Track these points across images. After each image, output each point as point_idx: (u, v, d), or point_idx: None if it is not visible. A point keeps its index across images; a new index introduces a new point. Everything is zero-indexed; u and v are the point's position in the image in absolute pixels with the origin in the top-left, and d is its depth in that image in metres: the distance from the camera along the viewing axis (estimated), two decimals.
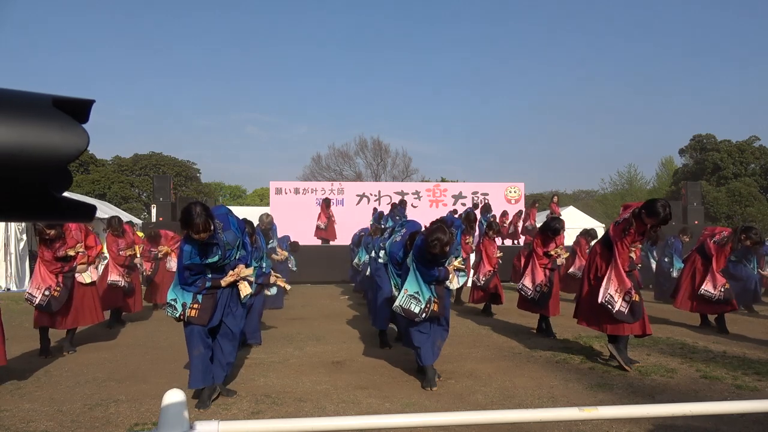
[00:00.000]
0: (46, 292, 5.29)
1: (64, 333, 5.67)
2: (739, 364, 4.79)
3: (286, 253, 9.49)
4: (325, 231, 14.06)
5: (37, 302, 5.27)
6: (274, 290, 5.98)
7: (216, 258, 3.85)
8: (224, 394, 3.96)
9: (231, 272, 3.96)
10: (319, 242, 13.98)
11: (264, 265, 5.83)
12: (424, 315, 4.32)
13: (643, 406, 1.91)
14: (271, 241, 8.77)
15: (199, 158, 74.81)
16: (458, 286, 4.68)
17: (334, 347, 5.73)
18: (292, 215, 15.10)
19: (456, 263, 4.58)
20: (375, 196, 15.79)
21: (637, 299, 4.65)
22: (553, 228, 6.53)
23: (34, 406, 3.80)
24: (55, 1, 63.72)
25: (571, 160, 64.04)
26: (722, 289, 6.60)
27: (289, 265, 9.51)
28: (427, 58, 66.24)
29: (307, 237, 14.05)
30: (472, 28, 66.46)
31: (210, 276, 3.92)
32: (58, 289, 5.34)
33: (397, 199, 15.57)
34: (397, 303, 4.43)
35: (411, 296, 4.39)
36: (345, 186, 16.22)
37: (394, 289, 4.81)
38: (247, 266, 4.10)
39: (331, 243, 13.97)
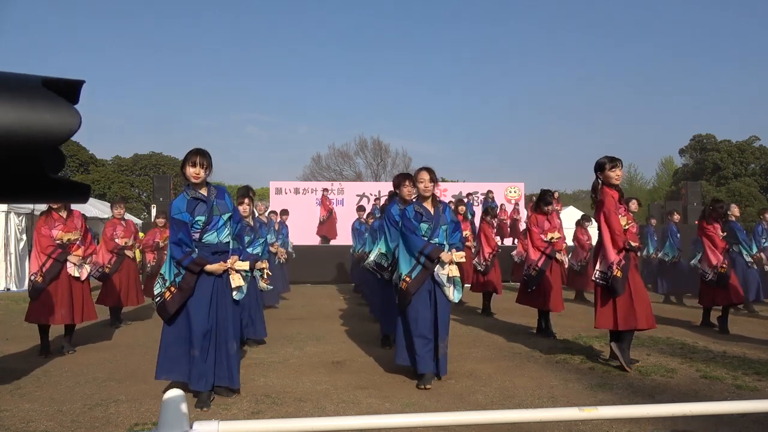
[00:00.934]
0: (32, 277, 5.28)
1: (61, 333, 5.66)
2: (739, 364, 4.79)
3: (283, 251, 9.40)
4: (325, 227, 14.05)
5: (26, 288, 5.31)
6: (264, 286, 5.76)
7: (203, 218, 3.81)
8: (224, 394, 3.95)
9: (222, 262, 3.83)
10: (319, 242, 13.98)
11: (259, 250, 5.72)
12: (396, 291, 4.42)
13: (643, 406, 1.91)
14: (269, 235, 8.69)
15: None
16: (456, 300, 4.45)
17: (334, 347, 5.73)
18: (292, 215, 15.01)
19: (456, 255, 4.36)
20: (375, 196, 15.78)
21: (618, 275, 4.53)
22: (545, 199, 6.53)
23: (34, 406, 3.80)
24: (55, 1, 63.73)
25: (571, 160, 64.07)
26: (716, 271, 6.59)
27: (277, 260, 9.21)
28: (427, 58, 66.29)
29: (307, 237, 14.05)
30: (472, 28, 66.50)
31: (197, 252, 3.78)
32: (41, 276, 5.21)
33: None
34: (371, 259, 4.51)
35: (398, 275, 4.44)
36: (345, 186, 16.24)
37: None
38: (242, 260, 4.00)
39: (332, 242, 13.96)
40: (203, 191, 3.91)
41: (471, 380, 4.41)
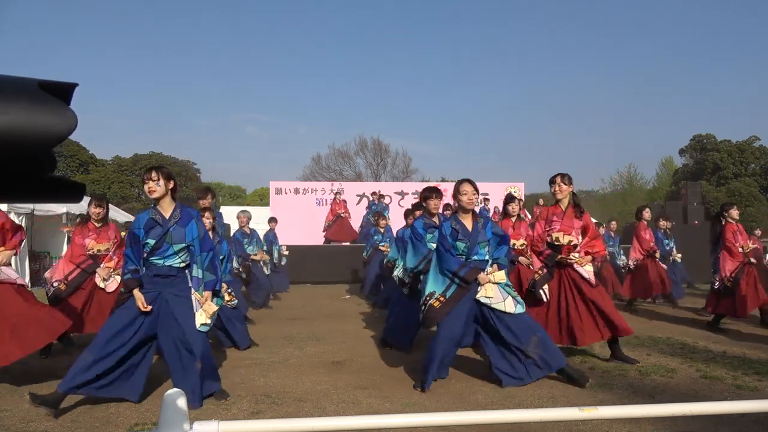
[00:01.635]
0: (55, 284, 5.32)
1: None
2: (739, 364, 4.79)
3: (267, 256, 9.17)
4: (333, 230, 13.96)
5: (46, 291, 5.34)
6: (234, 302, 5.53)
7: (153, 241, 3.71)
8: (218, 397, 3.89)
9: (144, 302, 3.66)
10: (319, 242, 13.96)
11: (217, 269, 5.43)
12: (423, 307, 4.13)
13: (643, 406, 1.91)
14: (250, 247, 8.47)
15: (199, 158, 74.96)
16: (520, 311, 4.10)
17: (334, 347, 5.73)
18: (292, 215, 15.11)
19: (497, 275, 4.10)
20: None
21: (536, 278, 4.81)
22: (507, 200, 6.56)
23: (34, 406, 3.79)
24: (55, 1, 63.73)
25: (571, 160, 63.93)
26: (723, 282, 6.57)
27: (262, 265, 8.89)
28: (427, 58, 66.30)
29: (306, 237, 14.06)
30: (472, 28, 66.51)
31: (138, 273, 3.73)
32: (64, 283, 5.29)
33: (396, 199, 15.61)
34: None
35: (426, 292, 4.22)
36: (345, 186, 16.24)
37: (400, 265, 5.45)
38: (217, 299, 3.86)
39: (333, 243, 13.93)
40: (165, 212, 3.80)
41: (471, 380, 4.41)
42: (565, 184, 4.86)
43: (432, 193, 5.29)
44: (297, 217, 15.08)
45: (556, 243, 4.85)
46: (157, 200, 3.80)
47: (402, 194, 16.14)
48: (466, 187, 4.25)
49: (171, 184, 3.82)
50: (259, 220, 12.00)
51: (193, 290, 3.78)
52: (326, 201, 15.80)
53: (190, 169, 40.51)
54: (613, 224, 11.32)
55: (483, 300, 4.08)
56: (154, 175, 3.73)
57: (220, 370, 4.71)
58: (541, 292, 4.81)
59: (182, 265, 3.82)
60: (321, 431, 1.52)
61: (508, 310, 4.07)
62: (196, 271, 3.80)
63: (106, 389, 3.65)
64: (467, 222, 4.27)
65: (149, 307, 3.67)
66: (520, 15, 65.71)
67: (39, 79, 0.68)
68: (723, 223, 6.78)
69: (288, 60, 66.79)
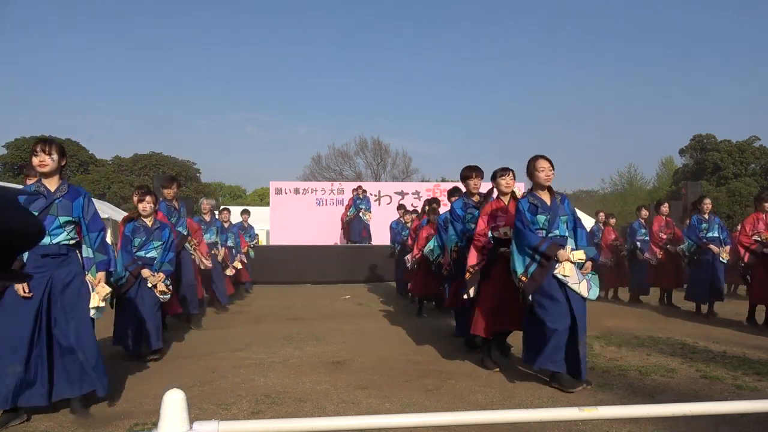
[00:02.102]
0: None
1: None
2: (739, 364, 4.79)
3: (207, 261, 7.53)
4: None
5: None
6: (166, 296, 5.21)
7: (35, 213, 3.38)
8: (79, 413, 3.57)
9: (25, 286, 3.32)
10: (319, 242, 13.95)
11: (154, 254, 5.17)
12: (520, 287, 4.08)
13: (643, 406, 1.91)
14: (207, 234, 7.89)
15: (199, 158, 75.03)
16: (592, 297, 4.06)
17: (334, 347, 5.73)
18: (292, 215, 15.10)
19: (576, 254, 4.01)
20: (375, 196, 15.79)
21: (467, 276, 4.75)
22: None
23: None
24: (55, 1, 63.74)
25: (571, 160, 63.98)
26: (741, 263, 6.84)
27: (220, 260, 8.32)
28: (427, 58, 66.38)
29: (306, 237, 14.05)
30: (472, 28, 66.57)
31: None
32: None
33: (397, 199, 15.60)
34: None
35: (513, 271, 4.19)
36: (345, 186, 16.23)
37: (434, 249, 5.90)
38: (109, 279, 3.66)
39: (331, 242, 13.92)
40: (51, 185, 3.54)
41: (471, 380, 4.41)
42: (513, 180, 4.86)
43: (472, 172, 5.26)
44: (297, 217, 15.07)
45: (504, 237, 4.69)
46: (46, 176, 3.54)
47: (402, 194, 16.12)
48: (543, 163, 4.17)
49: (63, 161, 3.59)
50: (259, 219, 12.04)
51: (86, 272, 3.57)
52: (326, 201, 15.77)
53: (190, 169, 40.54)
54: (601, 215, 11.10)
55: (560, 277, 3.99)
56: (47, 148, 3.47)
57: (220, 370, 4.72)
58: (471, 291, 4.74)
59: (71, 242, 3.58)
60: (321, 431, 1.52)
61: (581, 292, 4.00)
62: (86, 251, 3.59)
63: (17, 397, 3.36)
64: (545, 197, 4.24)
65: (30, 294, 3.34)
66: (520, 15, 65.85)
67: (17, 191, 0.82)
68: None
69: (288, 60, 67.09)
